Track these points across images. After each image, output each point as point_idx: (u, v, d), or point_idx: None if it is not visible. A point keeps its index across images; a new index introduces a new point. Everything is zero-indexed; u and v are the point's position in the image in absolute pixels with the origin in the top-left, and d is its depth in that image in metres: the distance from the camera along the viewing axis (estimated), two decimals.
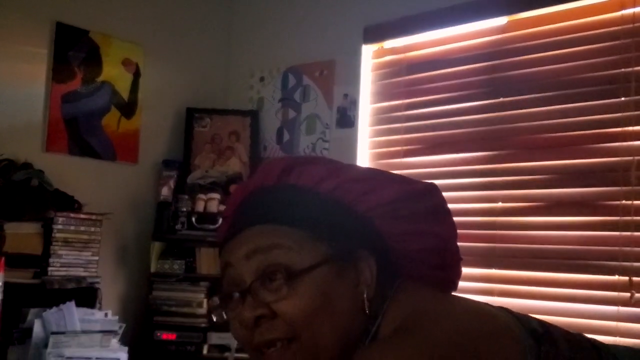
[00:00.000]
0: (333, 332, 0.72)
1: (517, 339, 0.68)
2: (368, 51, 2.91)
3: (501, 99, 2.47)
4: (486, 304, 0.77)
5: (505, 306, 0.79)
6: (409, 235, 0.80)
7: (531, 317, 0.75)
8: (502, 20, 2.50)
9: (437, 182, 0.84)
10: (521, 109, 2.41)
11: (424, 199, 0.80)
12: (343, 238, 0.76)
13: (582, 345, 0.73)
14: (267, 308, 0.72)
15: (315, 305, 0.71)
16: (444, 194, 0.84)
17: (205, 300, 2.86)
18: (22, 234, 2.39)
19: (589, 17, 2.28)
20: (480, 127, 2.51)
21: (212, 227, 2.86)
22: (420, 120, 2.71)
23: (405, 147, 2.74)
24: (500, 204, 2.44)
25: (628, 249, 2.10)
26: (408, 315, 0.71)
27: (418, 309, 0.72)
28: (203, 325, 2.84)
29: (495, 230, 2.42)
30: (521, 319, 0.73)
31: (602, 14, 2.25)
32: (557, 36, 2.35)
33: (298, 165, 0.80)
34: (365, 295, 0.74)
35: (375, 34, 2.87)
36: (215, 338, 2.83)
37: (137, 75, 3.11)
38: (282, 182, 0.79)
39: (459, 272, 0.87)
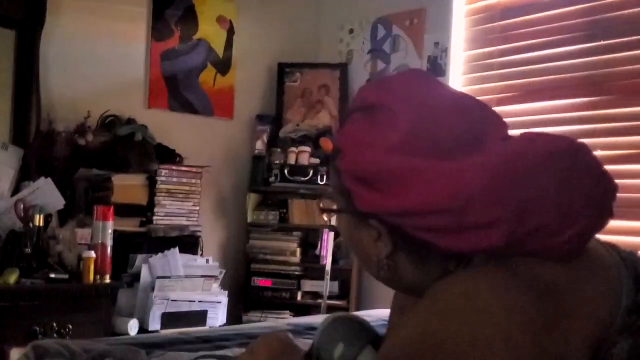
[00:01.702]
0: (365, 268, 0.80)
1: (613, 280, 0.67)
2: None
3: (601, 42, 2.34)
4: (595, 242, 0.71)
5: None
6: None
7: None
8: None
9: (532, 130, 0.77)
10: (621, 52, 2.28)
11: None
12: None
13: None
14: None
15: (346, 240, 0.79)
16: None
17: (298, 250, 2.97)
18: (129, 185, 2.56)
19: None
20: (578, 72, 2.40)
21: (303, 179, 2.94)
22: (514, 66, 2.61)
23: (499, 95, 2.66)
24: (599, 152, 2.33)
25: None
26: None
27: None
28: (297, 273, 2.96)
29: None
30: (628, 261, 0.69)
31: None
32: None
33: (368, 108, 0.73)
34: (378, 258, 0.73)
35: None
36: (308, 285, 2.95)
37: (230, 32, 3.19)
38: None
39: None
